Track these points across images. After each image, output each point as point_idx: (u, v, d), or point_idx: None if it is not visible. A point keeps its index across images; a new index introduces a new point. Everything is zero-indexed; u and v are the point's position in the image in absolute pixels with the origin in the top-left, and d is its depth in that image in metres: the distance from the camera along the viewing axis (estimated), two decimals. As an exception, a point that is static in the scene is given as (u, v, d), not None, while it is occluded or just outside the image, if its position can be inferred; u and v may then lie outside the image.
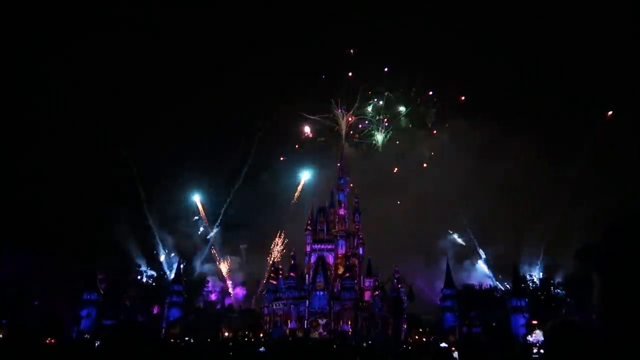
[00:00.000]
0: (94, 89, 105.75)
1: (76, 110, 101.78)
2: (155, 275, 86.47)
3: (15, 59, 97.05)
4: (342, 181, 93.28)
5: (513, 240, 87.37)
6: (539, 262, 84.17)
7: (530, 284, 79.13)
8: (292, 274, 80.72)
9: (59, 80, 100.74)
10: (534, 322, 67.62)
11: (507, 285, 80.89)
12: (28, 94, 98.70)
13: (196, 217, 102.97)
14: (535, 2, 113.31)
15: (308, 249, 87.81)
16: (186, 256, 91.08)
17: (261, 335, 77.32)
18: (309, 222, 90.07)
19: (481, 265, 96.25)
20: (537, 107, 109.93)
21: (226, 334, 77.61)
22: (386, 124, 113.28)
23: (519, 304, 72.40)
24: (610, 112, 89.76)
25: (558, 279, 78.21)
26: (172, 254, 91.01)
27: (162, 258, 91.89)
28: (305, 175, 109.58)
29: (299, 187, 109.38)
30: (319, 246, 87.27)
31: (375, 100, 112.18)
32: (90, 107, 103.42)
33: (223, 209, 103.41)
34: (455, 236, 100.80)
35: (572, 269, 71.18)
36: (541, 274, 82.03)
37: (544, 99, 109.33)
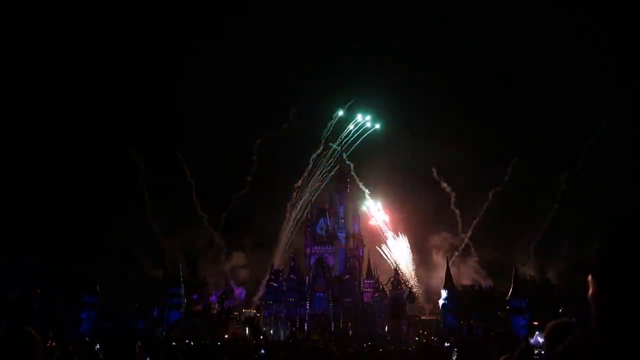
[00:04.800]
0: (99, 89, 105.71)
1: (78, 108, 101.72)
2: (156, 277, 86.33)
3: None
4: (342, 182, 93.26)
5: (510, 241, 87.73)
6: (533, 263, 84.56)
7: (530, 286, 79.16)
8: (292, 275, 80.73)
9: (59, 76, 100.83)
10: (535, 323, 67.59)
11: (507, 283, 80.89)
12: (24, 91, 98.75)
13: (199, 217, 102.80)
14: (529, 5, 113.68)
15: (308, 250, 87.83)
16: (188, 257, 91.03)
17: (261, 337, 77.24)
18: (309, 223, 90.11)
19: (478, 266, 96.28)
20: (532, 111, 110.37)
21: (226, 336, 77.51)
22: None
23: (519, 305, 72.37)
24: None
25: (556, 280, 78.34)
26: (174, 256, 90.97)
27: (164, 260, 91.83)
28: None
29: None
30: (318, 248, 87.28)
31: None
32: (94, 106, 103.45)
33: (226, 213, 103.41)
34: (453, 237, 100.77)
35: (566, 269, 71.56)
36: (536, 274, 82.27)
37: (540, 105, 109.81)
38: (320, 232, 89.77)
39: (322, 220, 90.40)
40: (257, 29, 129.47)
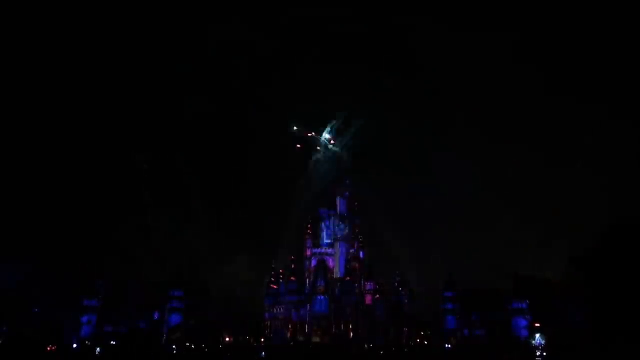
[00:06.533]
0: (102, 93, 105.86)
1: (80, 112, 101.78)
2: (157, 279, 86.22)
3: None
4: (342, 185, 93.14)
5: (511, 241, 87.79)
6: (534, 263, 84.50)
7: (532, 286, 78.99)
8: (292, 278, 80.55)
9: (65, 82, 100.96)
10: (537, 324, 67.44)
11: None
12: (28, 94, 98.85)
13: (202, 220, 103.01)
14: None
15: (308, 253, 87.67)
16: (189, 260, 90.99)
17: (262, 340, 77.13)
18: (309, 226, 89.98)
19: (479, 266, 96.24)
20: (533, 111, 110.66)
21: (227, 339, 77.45)
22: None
23: (520, 306, 72.24)
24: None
25: (558, 280, 78.17)
26: (176, 258, 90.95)
27: (165, 262, 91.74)
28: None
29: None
30: (319, 250, 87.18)
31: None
32: (97, 109, 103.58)
33: (227, 216, 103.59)
34: (454, 237, 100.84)
35: (567, 269, 71.48)
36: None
37: (540, 105, 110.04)
38: (320, 234, 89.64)
39: (322, 222, 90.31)
40: (258, 35, 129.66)
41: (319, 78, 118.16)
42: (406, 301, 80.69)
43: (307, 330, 75.20)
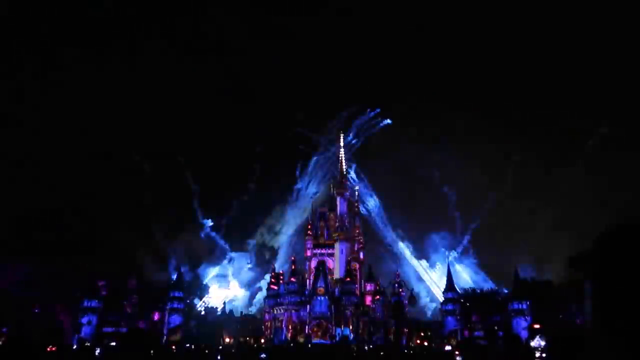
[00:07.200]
0: (105, 93, 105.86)
1: (81, 110, 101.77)
2: (158, 280, 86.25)
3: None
4: (342, 185, 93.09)
5: (511, 242, 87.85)
6: (534, 264, 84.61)
7: (532, 287, 78.97)
8: (292, 279, 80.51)
9: (64, 80, 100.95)
10: (536, 326, 67.35)
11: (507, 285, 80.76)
12: (31, 95, 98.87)
13: (203, 220, 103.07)
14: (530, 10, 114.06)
15: (308, 253, 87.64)
16: (189, 261, 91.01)
17: (262, 341, 77.08)
18: (309, 226, 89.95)
19: (479, 267, 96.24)
20: (534, 113, 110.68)
21: (227, 340, 77.38)
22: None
23: (520, 307, 72.20)
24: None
25: (558, 281, 78.18)
26: (176, 259, 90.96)
27: (166, 263, 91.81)
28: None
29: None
30: (319, 251, 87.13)
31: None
32: (97, 108, 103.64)
33: (227, 217, 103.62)
34: (454, 238, 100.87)
35: (568, 270, 71.40)
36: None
37: (541, 106, 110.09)
38: (320, 234, 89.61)
39: (322, 222, 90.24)
40: (259, 36, 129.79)
41: (318, 78, 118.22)
42: (406, 302, 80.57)
43: (307, 331, 75.18)
